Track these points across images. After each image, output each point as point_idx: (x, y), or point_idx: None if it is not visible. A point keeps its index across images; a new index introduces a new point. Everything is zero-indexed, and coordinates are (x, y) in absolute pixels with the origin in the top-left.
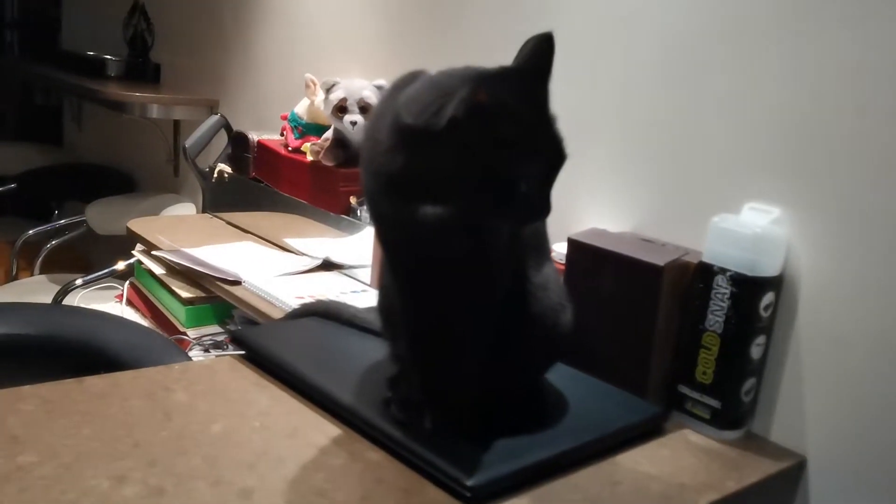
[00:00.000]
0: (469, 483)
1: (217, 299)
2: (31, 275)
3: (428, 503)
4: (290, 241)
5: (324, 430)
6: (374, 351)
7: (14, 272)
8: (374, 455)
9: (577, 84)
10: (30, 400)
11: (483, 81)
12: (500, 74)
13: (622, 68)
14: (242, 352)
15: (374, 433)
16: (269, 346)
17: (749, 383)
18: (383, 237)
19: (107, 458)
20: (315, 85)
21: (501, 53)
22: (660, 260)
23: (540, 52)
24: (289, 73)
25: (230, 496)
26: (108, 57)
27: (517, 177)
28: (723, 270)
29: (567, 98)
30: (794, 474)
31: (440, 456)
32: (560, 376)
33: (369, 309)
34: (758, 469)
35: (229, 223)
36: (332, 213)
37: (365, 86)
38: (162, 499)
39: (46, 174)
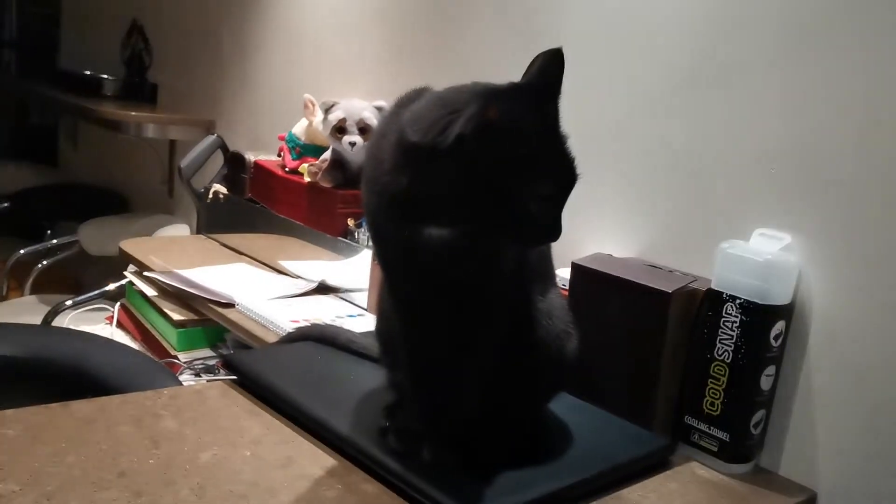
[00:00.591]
0: None
1: (209, 322)
2: (22, 295)
3: None
4: (286, 264)
5: (318, 459)
6: (371, 377)
7: (4, 292)
8: (370, 487)
9: (583, 104)
10: (13, 425)
11: (493, 98)
12: (510, 91)
13: (630, 91)
14: (234, 377)
15: (370, 464)
16: (263, 372)
17: (758, 415)
18: (384, 259)
19: (91, 488)
20: (314, 105)
21: (506, 72)
22: (668, 287)
23: (549, 68)
24: (287, 93)
25: None
26: (105, 76)
27: (527, 197)
28: (732, 298)
29: (573, 119)
30: None
31: (439, 489)
32: (564, 406)
33: (366, 334)
34: None
35: (223, 245)
36: (328, 235)
37: (365, 106)
38: None
39: (40, 194)
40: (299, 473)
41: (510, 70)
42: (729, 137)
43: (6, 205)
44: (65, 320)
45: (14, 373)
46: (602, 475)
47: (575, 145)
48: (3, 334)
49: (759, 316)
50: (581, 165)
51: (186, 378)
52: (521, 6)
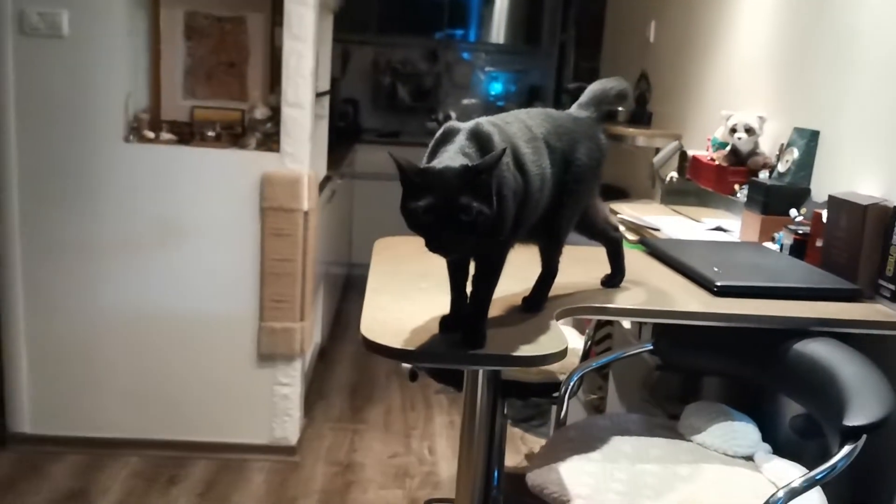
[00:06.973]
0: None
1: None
2: None
3: (691, 292)
4: (704, 219)
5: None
6: None
7: None
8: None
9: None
10: None
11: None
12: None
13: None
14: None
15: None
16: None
17: None
18: None
19: None
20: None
21: None
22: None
23: None
24: (716, 109)
25: None
26: (620, 109)
27: None
28: None
29: None
30: None
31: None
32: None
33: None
34: None
35: (672, 209)
36: (722, 195)
37: (749, 116)
38: None
39: None
40: None
41: None
42: None
43: None
44: None
45: None
46: (806, 290)
47: None
48: None
49: None
50: None
51: None
52: None
